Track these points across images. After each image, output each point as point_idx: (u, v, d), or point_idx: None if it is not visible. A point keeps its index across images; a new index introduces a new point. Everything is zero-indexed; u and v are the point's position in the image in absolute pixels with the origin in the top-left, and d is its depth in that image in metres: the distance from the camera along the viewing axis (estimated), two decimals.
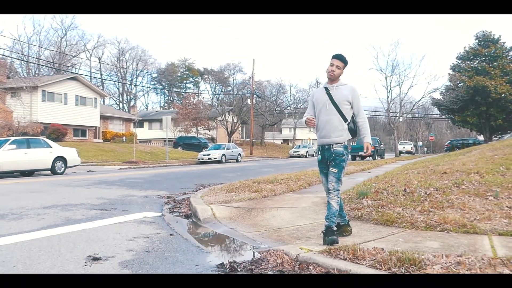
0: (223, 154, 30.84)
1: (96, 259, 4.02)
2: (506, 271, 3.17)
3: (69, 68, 56.31)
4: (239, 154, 33.86)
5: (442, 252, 3.88)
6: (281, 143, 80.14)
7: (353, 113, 4.59)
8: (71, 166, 18.16)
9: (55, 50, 56.53)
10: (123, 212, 6.92)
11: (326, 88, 4.63)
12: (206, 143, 44.45)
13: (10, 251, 4.31)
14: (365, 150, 4.56)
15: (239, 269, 3.77)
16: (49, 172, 17.16)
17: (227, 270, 3.74)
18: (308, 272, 3.68)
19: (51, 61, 53.87)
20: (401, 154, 45.71)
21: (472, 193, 6.47)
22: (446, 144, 48.15)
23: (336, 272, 3.50)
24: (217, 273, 3.68)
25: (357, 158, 32.46)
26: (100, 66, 73.45)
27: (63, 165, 17.44)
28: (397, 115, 37.92)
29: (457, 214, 5.36)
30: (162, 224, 6.04)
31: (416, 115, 79.00)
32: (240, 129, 64.54)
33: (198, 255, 4.32)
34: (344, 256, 3.80)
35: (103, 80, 72.00)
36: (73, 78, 37.87)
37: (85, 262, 3.90)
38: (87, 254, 4.18)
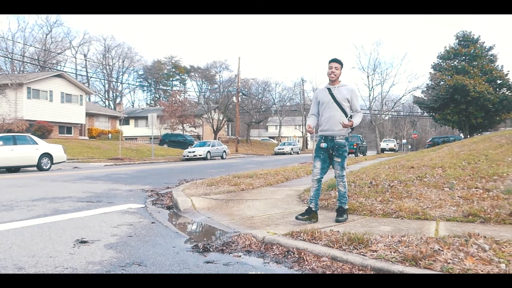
0: (208, 151, 31.28)
1: (83, 242, 4.49)
2: (436, 246, 3.71)
3: (54, 65, 56.12)
4: (224, 151, 34.30)
5: (395, 234, 4.42)
6: (267, 140, 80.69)
7: (351, 109, 5.28)
8: (57, 162, 18.44)
9: (40, 47, 56.30)
10: (108, 204, 7.38)
11: (329, 89, 5.33)
12: (192, 141, 44.81)
13: (4, 236, 4.75)
14: (343, 124, 5.12)
15: (211, 250, 4.27)
16: (35, 168, 17.43)
17: (201, 250, 4.23)
18: (271, 251, 4.20)
19: (36, 58, 53.69)
20: (384, 152, 46.54)
21: (431, 185, 7.04)
22: (427, 141, 49.10)
23: (295, 250, 4.04)
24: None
25: None
26: (86, 63, 73.27)
27: (49, 161, 17.74)
28: (380, 113, 38.68)
29: (413, 203, 5.93)
30: (145, 214, 6.51)
31: (401, 113, 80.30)
32: (226, 126, 64.94)
33: (176, 239, 4.81)
34: (303, 238, 4.33)
35: (89, 78, 71.80)
36: (59, 76, 37.92)
37: (74, 245, 4.37)
38: (75, 238, 4.64)
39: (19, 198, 7.99)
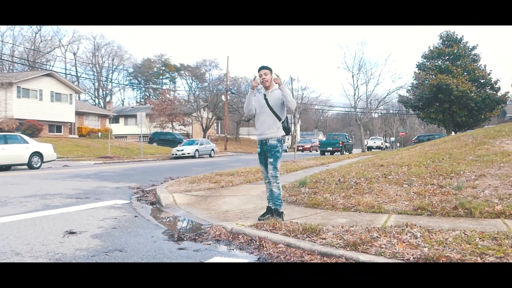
0: (196, 150, 31.79)
1: (72, 233, 5.07)
2: (375, 234, 4.35)
3: (44, 64, 56.23)
4: (212, 149, 34.86)
5: (346, 225, 5.04)
6: None
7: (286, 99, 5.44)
8: (47, 161, 18.90)
9: (29, 46, 56.41)
10: (96, 200, 7.95)
11: (264, 95, 5.66)
12: (181, 139, 45.27)
13: (1, 228, 5.32)
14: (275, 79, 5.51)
15: (185, 239, 4.87)
16: (25, 167, 17.89)
17: (175, 239, 4.83)
18: (237, 240, 4.81)
19: (25, 57, 53.80)
20: (371, 150, 47.30)
21: (393, 182, 7.69)
22: (413, 139, 50.00)
23: (257, 238, 4.65)
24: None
25: (326, 153, 33.79)
26: (75, 61, 73.33)
27: (39, 160, 18.20)
28: (365, 111, 39.46)
29: (371, 198, 6.57)
30: (129, 209, 7.09)
31: (391, 111, 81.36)
32: (215, 124, 65.43)
33: (155, 230, 5.40)
34: (266, 228, 4.94)
35: (78, 77, 71.89)
36: (48, 75, 38.24)
37: (63, 235, 4.95)
38: (65, 230, 5.22)
39: (12, 195, 8.53)
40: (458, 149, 10.55)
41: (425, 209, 5.83)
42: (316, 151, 43.41)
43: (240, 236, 4.85)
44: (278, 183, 5.56)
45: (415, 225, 4.72)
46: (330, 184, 7.92)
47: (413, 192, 6.82)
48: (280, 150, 5.58)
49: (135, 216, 6.35)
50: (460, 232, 4.42)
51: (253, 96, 5.73)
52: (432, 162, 9.42)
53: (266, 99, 5.58)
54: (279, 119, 5.54)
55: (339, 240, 4.32)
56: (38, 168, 17.93)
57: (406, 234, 4.37)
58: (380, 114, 76.98)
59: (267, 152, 5.54)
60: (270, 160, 5.49)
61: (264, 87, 5.67)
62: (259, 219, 5.54)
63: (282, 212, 5.56)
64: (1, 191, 9.18)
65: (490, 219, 5.34)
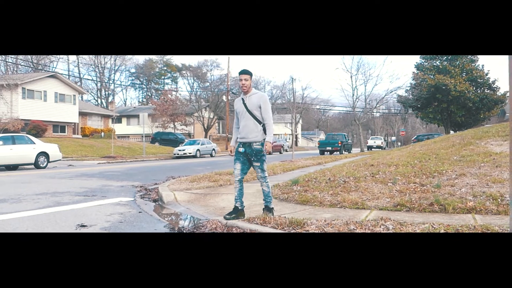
0: (198, 149, 32.36)
1: (83, 226, 5.66)
2: (352, 227, 4.91)
3: (47, 66, 56.86)
4: (213, 149, 35.43)
5: (329, 219, 5.60)
6: None
7: (261, 116, 5.71)
8: (53, 161, 19.49)
9: None
10: (102, 198, 8.54)
11: (242, 99, 5.88)
12: (182, 139, 45.86)
13: (20, 221, 5.91)
14: (264, 148, 5.80)
15: (184, 231, 5.45)
16: (32, 166, 18.50)
17: (176, 232, 5.41)
18: (231, 232, 5.38)
19: (29, 58, 54.44)
20: (371, 149, 47.82)
21: (379, 181, 8.25)
22: (412, 139, 50.50)
23: (249, 231, 5.22)
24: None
25: (326, 152, 34.35)
26: (78, 62, 74.02)
27: (45, 160, 18.80)
28: (363, 111, 40.01)
29: (356, 196, 7.13)
30: (134, 205, 7.67)
31: (392, 110, 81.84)
32: (217, 124, 66.01)
33: (158, 224, 5.99)
34: (257, 222, 5.50)
35: (81, 78, 72.59)
36: (52, 76, 38.94)
37: (76, 228, 5.53)
38: (76, 223, 5.81)
39: (24, 193, 9.13)
40: (445, 150, 11.10)
41: (404, 206, 6.35)
42: (287, 151, 44.09)
43: (233, 229, 5.41)
44: (267, 182, 5.89)
45: (390, 219, 5.27)
46: (320, 183, 8.49)
47: (396, 190, 7.37)
48: (265, 153, 5.84)
49: (139, 212, 6.93)
50: (429, 225, 4.96)
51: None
52: (419, 162, 9.98)
53: (244, 104, 5.75)
54: (259, 122, 5.75)
55: (320, 231, 4.88)
56: (44, 167, 18.53)
57: (380, 226, 4.93)
58: (381, 114, 77.50)
59: (251, 156, 5.77)
60: (257, 164, 5.72)
61: (242, 91, 5.80)
62: (224, 217, 5.78)
63: (272, 208, 6.00)
64: (14, 189, 9.78)
65: (462, 214, 5.84)
